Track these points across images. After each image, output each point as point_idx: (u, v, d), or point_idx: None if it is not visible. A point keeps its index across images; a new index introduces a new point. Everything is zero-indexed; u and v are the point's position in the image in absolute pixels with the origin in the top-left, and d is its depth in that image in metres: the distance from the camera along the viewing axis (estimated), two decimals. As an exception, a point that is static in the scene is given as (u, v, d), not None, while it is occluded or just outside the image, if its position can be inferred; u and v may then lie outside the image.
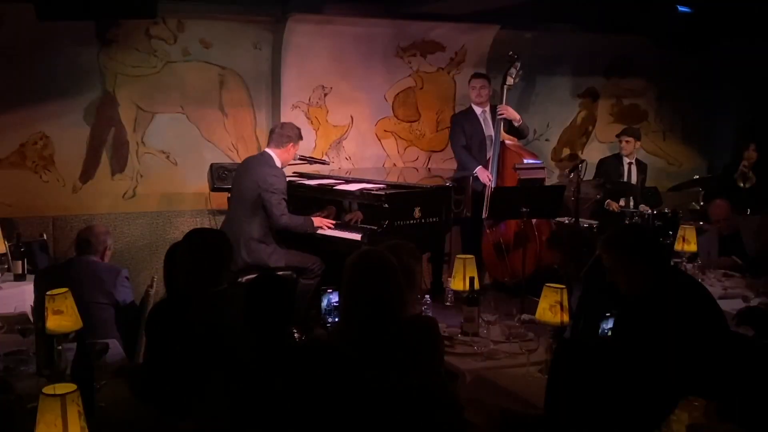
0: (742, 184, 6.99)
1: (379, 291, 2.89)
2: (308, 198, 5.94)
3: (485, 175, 6.16)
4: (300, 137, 5.64)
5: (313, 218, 5.59)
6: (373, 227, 5.40)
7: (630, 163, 7.16)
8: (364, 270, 2.96)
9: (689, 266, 5.03)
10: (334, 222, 5.65)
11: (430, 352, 2.91)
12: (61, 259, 5.93)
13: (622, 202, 6.93)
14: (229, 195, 5.93)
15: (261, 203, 5.38)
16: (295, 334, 3.04)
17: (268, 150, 5.57)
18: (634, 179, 7.13)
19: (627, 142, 7.11)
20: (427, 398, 2.73)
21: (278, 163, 5.51)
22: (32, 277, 4.92)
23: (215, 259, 3.34)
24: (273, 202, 5.35)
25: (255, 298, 2.79)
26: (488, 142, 6.37)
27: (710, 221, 5.97)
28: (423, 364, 2.83)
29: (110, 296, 4.20)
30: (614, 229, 3.59)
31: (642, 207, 6.78)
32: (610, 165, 7.22)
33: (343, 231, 5.58)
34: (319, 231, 5.60)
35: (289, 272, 5.46)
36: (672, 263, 4.46)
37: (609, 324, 3.47)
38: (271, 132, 5.64)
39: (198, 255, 3.31)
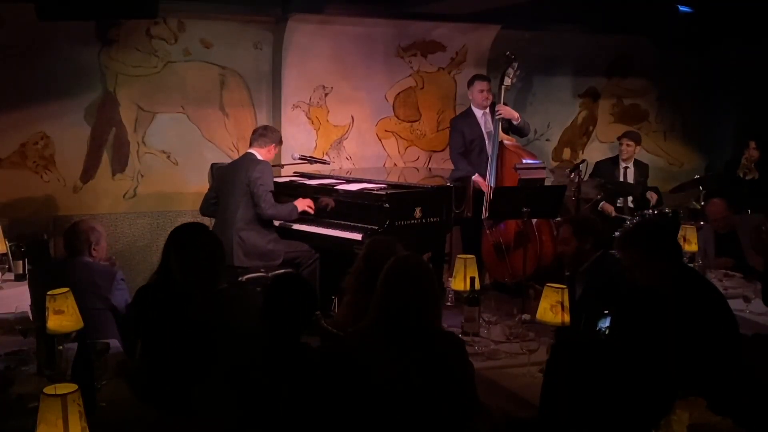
0: (742, 175, 7.01)
1: (416, 299, 2.81)
2: (309, 198, 5.94)
3: (483, 184, 6.17)
4: (280, 141, 5.89)
5: (295, 203, 5.70)
6: (373, 227, 5.40)
7: (626, 167, 7.17)
8: (403, 276, 2.87)
9: (690, 266, 5.02)
10: (313, 206, 5.75)
11: (463, 370, 2.83)
12: (59, 258, 5.94)
13: (620, 202, 6.94)
14: (208, 198, 5.93)
15: (250, 198, 5.53)
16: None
17: (251, 150, 5.72)
18: (630, 181, 7.13)
19: (628, 145, 7.12)
20: (458, 413, 2.71)
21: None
22: (32, 277, 4.93)
23: (212, 258, 3.33)
24: (260, 194, 5.48)
25: (277, 295, 2.77)
26: (488, 143, 6.37)
27: (707, 220, 5.97)
28: (455, 380, 2.77)
29: (106, 301, 4.18)
30: (630, 227, 3.60)
31: (649, 194, 6.83)
32: (606, 168, 7.23)
33: (344, 231, 5.58)
34: (303, 227, 5.73)
35: (289, 270, 5.47)
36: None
37: (607, 322, 3.47)
38: (254, 133, 5.81)
39: (195, 255, 3.30)
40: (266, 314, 2.75)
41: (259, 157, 5.66)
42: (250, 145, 5.77)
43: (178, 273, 3.27)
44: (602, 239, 4.24)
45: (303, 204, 5.70)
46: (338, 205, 5.78)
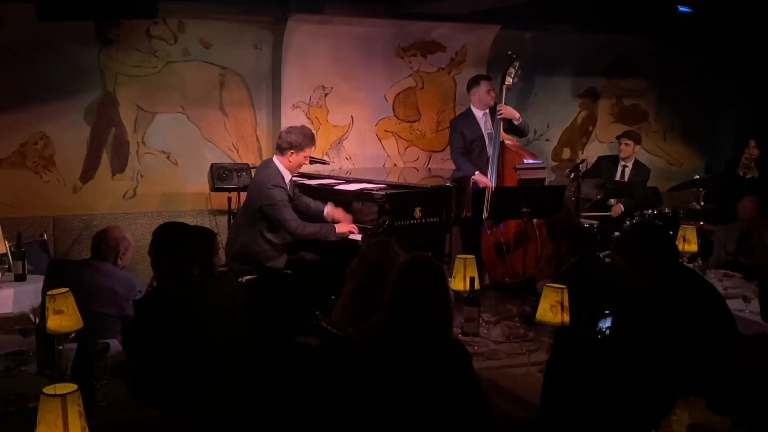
0: (741, 174, 7.01)
1: (429, 301, 2.78)
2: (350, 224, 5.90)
3: (484, 180, 6.17)
4: (306, 144, 5.28)
5: (336, 225, 5.34)
6: (373, 227, 5.40)
7: (625, 166, 7.18)
8: (417, 278, 2.83)
9: (689, 266, 5.02)
10: (357, 228, 5.38)
11: (467, 381, 2.81)
12: (68, 257, 5.94)
13: (612, 202, 6.94)
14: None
15: (261, 215, 5.24)
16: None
17: (273, 158, 5.38)
18: (626, 180, 7.14)
19: (626, 144, 7.14)
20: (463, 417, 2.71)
21: (283, 171, 5.29)
22: (32, 277, 4.93)
23: (182, 247, 3.37)
24: (280, 216, 5.13)
25: (258, 299, 2.70)
26: (488, 143, 6.37)
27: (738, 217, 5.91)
28: (458, 390, 2.75)
29: (120, 308, 4.19)
30: (625, 230, 3.61)
31: (615, 206, 6.78)
32: (605, 165, 7.25)
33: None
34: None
35: (289, 271, 5.45)
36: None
37: (607, 323, 3.47)
38: (278, 137, 5.42)
39: (165, 245, 3.41)
40: (248, 314, 2.70)
41: (279, 165, 5.28)
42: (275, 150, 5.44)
43: (153, 266, 3.39)
44: (578, 243, 4.20)
45: (345, 228, 5.31)
46: (338, 206, 5.77)
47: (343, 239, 5.33)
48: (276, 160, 5.32)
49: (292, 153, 5.25)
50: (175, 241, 3.39)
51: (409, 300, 2.80)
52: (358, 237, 5.35)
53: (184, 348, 3.08)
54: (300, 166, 5.42)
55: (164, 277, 3.40)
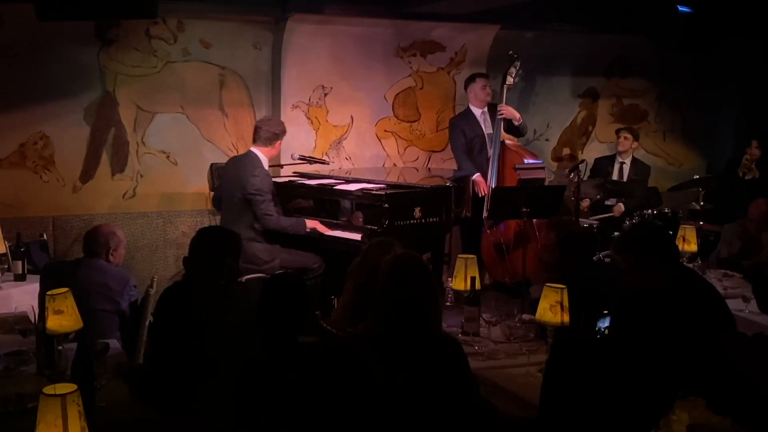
0: (741, 174, 7.01)
1: (416, 297, 2.81)
2: (308, 198, 5.93)
3: (483, 186, 6.18)
4: (284, 132, 5.64)
5: (307, 220, 5.57)
6: (373, 227, 5.40)
7: (622, 163, 7.18)
8: (404, 273, 2.86)
9: (689, 266, 5.02)
10: (327, 228, 5.59)
11: (463, 371, 2.83)
12: (68, 257, 5.94)
13: (611, 201, 6.94)
14: (216, 196, 5.98)
15: (245, 205, 5.41)
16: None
17: (253, 149, 5.56)
18: (624, 179, 7.14)
19: (625, 138, 7.17)
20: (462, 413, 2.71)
21: (264, 162, 5.52)
22: (32, 277, 4.93)
23: (217, 253, 3.37)
24: (256, 203, 5.35)
25: (271, 295, 2.76)
26: (488, 143, 6.37)
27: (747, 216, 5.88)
28: (456, 382, 2.76)
29: (116, 304, 4.20)
30: (626, 230, 3.61)
31: (617, 206, 6.78)
32: (602, 164, 7.26)
33: (344, 231, 5.58)
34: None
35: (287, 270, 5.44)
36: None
37: (606, 322, 3.47)
38: (256, 130, 5.61)
39: (201, 248, 3.42)
40: (261, 314, 2.75)
41: (261, 156, 5.50)
42: (254, 142, 5.62)
43: (187, 267, 3.37)
44: (574, 251, 4.17)
45: (315, 224, 5.56)
46: (338, 205, 5.78)
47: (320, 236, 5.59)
48: (257, 150, 5.52)
49: (279, 143, 5.57)
50: (208, 249, 3.42)
51: (395, 298, 2.82)
52: (331, 232, 5.55)
53: (195, 350, 3.08)
54: (277, 154, 5.73)
55: (196, 281, 3.41)
